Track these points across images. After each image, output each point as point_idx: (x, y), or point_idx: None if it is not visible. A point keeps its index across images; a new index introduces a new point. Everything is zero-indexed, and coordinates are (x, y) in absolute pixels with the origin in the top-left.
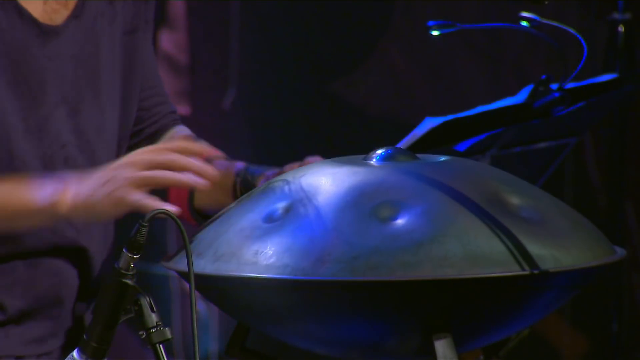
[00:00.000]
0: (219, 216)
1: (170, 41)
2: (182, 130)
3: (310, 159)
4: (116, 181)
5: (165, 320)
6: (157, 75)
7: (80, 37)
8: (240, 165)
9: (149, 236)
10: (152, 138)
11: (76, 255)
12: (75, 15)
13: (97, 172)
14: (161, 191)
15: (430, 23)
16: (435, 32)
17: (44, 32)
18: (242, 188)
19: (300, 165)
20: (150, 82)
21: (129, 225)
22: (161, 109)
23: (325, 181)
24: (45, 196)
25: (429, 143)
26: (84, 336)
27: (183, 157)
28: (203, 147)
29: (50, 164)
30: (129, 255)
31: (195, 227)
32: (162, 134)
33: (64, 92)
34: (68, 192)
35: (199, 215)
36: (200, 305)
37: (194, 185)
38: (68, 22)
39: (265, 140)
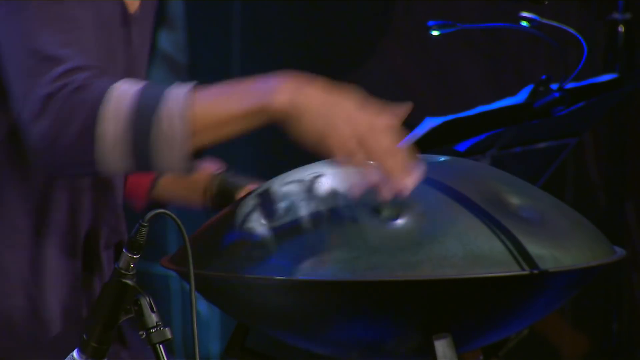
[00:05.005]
0: (219, 216)
1: (169, 41)
2: None
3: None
4: (350, 129)
5: (166, 320)
6: None
7: (139, 28)
8: (220, 169)
9: (149, 236)
10: None
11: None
12: (144, 4)
13: (323, 90)
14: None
15: (430, 23)
16: (435, 32)
17: (127, 19)
18: (218, 194)
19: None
20: None
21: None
22: None
23: (325, 181)
24: (257, 96)
25: (429, 143)
26: (84, 336)
27: (400, 166)
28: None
29: None
30: (129, 255)
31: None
32: None
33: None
34: (284, 92)
35: (156, 204)
36: (202, 305)
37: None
38: (137, 12)
39: (266, 140)
